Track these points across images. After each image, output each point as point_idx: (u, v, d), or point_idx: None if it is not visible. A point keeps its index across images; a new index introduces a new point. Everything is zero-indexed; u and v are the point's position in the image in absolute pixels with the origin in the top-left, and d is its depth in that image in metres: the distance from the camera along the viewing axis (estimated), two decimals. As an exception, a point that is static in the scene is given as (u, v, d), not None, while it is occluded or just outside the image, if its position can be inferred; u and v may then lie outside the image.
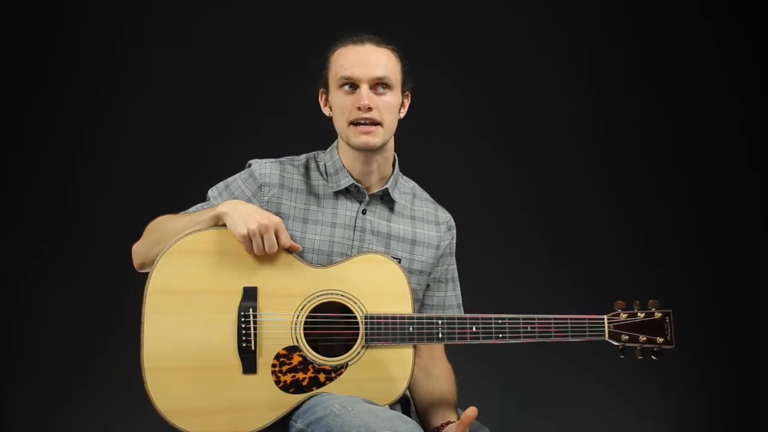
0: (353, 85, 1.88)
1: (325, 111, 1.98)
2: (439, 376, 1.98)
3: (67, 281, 3.31)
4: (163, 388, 1.73)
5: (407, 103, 1.99)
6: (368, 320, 1.81)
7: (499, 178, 3.57)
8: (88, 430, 3.29)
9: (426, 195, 2.10)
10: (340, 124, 1.91)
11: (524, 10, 3.60)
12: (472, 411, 1.72)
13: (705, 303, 3.50)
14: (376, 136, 1.88)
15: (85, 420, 3.28)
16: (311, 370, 1.79)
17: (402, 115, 1.98)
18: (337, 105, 1.90)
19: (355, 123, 1.87)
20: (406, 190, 2.06)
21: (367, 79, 1.87)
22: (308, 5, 3.48)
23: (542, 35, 3.61)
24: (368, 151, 1.90)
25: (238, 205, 1.81)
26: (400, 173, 2.05)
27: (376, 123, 1.87)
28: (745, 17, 3.64)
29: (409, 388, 1.97)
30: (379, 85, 1.88)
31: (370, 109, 1.86)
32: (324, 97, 1.97)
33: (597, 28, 3.64)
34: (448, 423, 1.86)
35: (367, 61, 1.88)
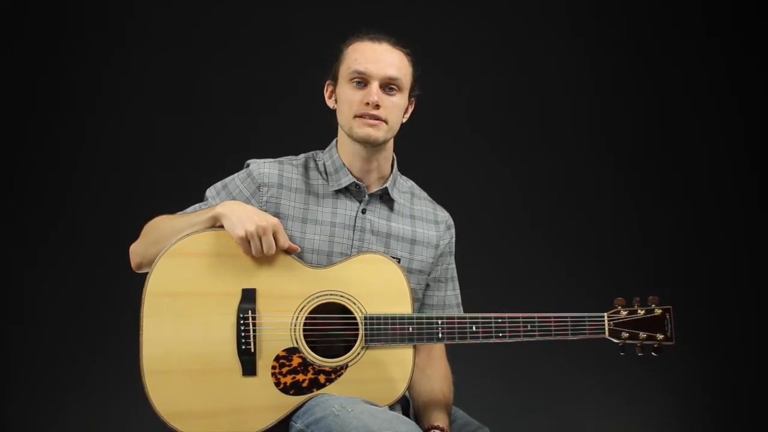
0: (364, 81, 1.88)
1: (330, 103, 1.98)
2: (433, 376, 1.98)
3: (67, 281, 3.31)
4: (163, 391, 1.73)
5: (411, 109, 2.00)
6: (368, 321, 1.81)
7: (499, 177, 3.57)
8: None
9: (424, 194, 2.11)
10: (344, 116, 1.91)
11: (525, 10, 3.60)
12: None
13: (705, 301, 3.50)
14: (379, 131, 1.88)
15: (85, 421, 3.28)
16: (311, 372, 1.79)
17: (405, 119, 1.98)
18: (345, 98, 1.90)
19: (360, 116, 1.88)
20: (404, 189, 2.06)
21: (379, 77, 1.87)
22: (308, 6, 3.48)
23: (543, 36, 3.61)
24: (368, 145, 1.90)
25: (236, 207, 1.80)
26: (399, 173, 2.05)
27: (380, 119, 1.88)
28: (745, 17, 3.64)
29: (408, 388, 1.98)
30: (389, 85, 1.89)
31: (377, 106, 1.86)
32: (330, 89, 1.97)
33: (597, 28, 3.64)
34: (434, 427, 1.87)
35: (382, 59, 1.88)
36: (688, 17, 3.64)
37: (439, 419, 1.90)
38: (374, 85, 1.87)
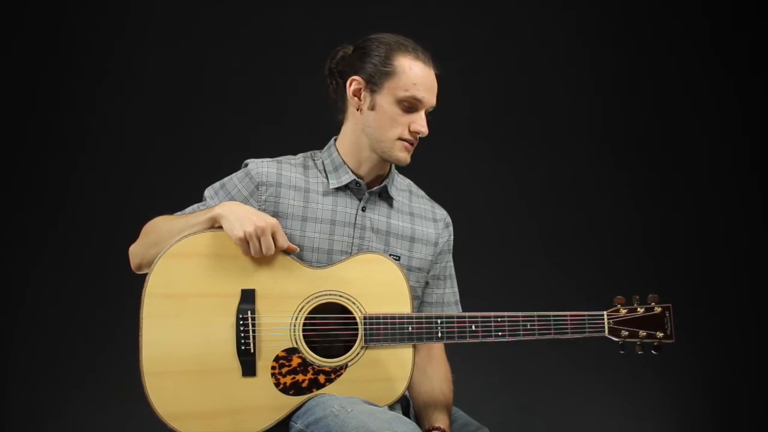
0: (415, 106, 1.87)
1: (353, 102, 1.91)
2: (434, 376, 1.98)
3: (67, 282, 3.31)
4: (162, 392, 1.73)
5: None
6: (367, 321, 1.81)
7: (499, 177, 3.57)
8: (88, 433, 3.31)
9: (421, 192, 2.11)
10: (385, 132, 1.88)
11: (525, 10, 3.60)
12: None
13: (705, 300, 3.50)
14: (410, 155, 1.92)
15: (85, 422, 3.28)
16: (311, 372, 1.79)
17: None
18: (390, 115, 1.87)
19: (403, 139, 1.88)
20: (402, 187, 2.06)
21: (429, 106, 1.89)
22: (309, 6, 3.48)
23: (543, 35, 3.62)
24: (397, 164, 1.94)
25: (234, 207, 1.80)
26: (396, 171, 2.05)
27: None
28: (745, 17, 3.64)
29: (409, 387, 1.97)
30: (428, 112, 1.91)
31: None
32: (356, 86, 1.90)
33: (598, 28, 3.65)
34: (435, 428, 1.86)
35: (434, 88, 1.90)
36: (688, 17, 3.64)
37: (440, 420, 1.89)
38: (423, 114, 1.88)
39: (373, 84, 1.88)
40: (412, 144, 1.90)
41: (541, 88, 3.62)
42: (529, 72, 3.62)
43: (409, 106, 1.87)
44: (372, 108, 1.89)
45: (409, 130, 1.88)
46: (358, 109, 1.92)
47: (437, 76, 1.92)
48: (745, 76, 3.63)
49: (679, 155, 3.63)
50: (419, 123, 1.87)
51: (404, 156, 1.90)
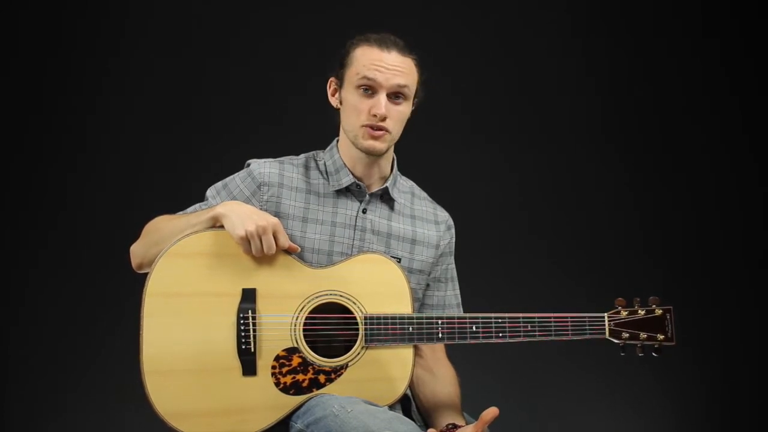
0: (372, 89, 1.86)
1: (332, 101, 1.97)
2: (445, 377, 1.98)
3: (68, 281, 3.31)
4: (163, 391, 1.73)
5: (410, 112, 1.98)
6: (368, 321, 1.81)
7: (500, 177, 3.57)
8: (88, 432, 3.30)
9: (424, 194, 2.11)
10: (351, 123, 1.90)
11: (526, 9, 3.60)
12: (493, 411, 1.70)
13: (705, 301, 3.50)
14: (383, 142, 1.89)
15: (85, 422, 3.28)
16: (311, 372, 1.79)
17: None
18: (352, 104, 1.88)
19: (367, 125, 1.87)
20: (405, 189, 2.06)
21: (387, 87, 1.86)
22: (308, 5, 3.47)
23: (542, 36, 3.61)
24: (371, 155, 1.91)
25: (236, 206, 1.80)
26: (399, 173, 2.05)
27: (386, 130, 1.88)
28: (745, 17, 3.64)
29: (414, 388, 1.98)
30: (396, 94, 1.88)
31: (384, 118, 1.86)
32: (334, 86, 1.95)
33: (598, 28, 3.64)
34: (456, 426, 1.84)
35: (391, 68, 1.86)
36: (688, 17, 3.64)
37: (456, 419, 1.89)
38: (382, 96, 1.86)
39: (341, 80, 1.92)
40: (375, 128, 1.87)
41: (542, 89, 3.62)
42: (529, 72, 3.62)
43: (367, 90, 1.86)
44: (341, 102, 1.93)
45: (369, 114, 1.86)
46: (337, 108, 1.95)
47: (414, 61, 1.90)
48: (745, 75, 3.63)
49: (679, 155, 3.63)
50: (376, 106, 1.85)
51: (371, 143, 1.88)
